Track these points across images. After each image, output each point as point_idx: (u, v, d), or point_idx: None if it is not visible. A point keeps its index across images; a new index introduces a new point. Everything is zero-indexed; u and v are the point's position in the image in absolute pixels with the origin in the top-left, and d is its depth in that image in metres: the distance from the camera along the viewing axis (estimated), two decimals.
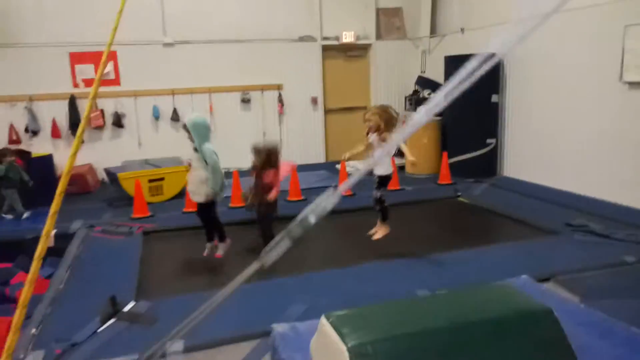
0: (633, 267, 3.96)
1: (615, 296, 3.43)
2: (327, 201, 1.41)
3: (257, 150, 5.04)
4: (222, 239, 4.80)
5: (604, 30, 5.81)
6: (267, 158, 4.95)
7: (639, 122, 5.44)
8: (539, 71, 6.90)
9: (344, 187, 1.44)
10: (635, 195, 5.52)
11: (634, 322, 2.96)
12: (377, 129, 4.49)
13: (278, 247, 1.50)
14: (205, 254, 4.73)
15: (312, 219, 1.40)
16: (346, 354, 1.62)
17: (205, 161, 4.47)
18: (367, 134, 4.67)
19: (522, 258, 4.26)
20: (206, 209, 4.69)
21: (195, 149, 4.51)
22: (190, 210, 6.22)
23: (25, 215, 6.11)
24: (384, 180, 4.66)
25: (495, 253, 4.48)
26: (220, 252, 4.74)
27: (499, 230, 5.58)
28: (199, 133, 4.49)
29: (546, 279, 3.81)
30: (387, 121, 4.47)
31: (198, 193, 4.56)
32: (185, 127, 4.58)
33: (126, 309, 3.54)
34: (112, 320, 3.36)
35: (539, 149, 6.88)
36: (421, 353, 1.66)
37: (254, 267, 1.56)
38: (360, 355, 1.62)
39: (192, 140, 4.52)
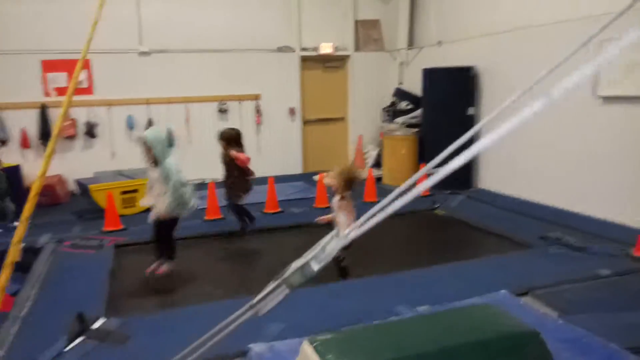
0: (608, 281, 3.99)
1: (592, 310, 3.43)
2: (331, 246, 1.32)
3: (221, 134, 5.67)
4: (171, 257, 4.57)
5: (575, 44, 5.89)
6: (231, 139, 5.63)
7: (613, 135, 5.53)
8: (515, 84, 6.97)
9: (351, 232, 1.35)
10: (609, 208, 5.60)
11: (611, 336, 2.97)
12: (339, 192, 4.28)
13: (274, 296, 1.40)
14: (148, 272, 4.47)
15: (315, 267, 1.31)
16: None
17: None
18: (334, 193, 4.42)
19: (499, 272, 4.26)
20: (164, 225, 4.47)
21: (155, 164, 4.30)
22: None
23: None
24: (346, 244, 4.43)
25: (472, 267, 4.47)
26: (164, 268, 4.51)
27: (476, 244, 5.59)
28: (161, 148, 4.31)
29: (524, 293, 3.80)
30: (346, 185, 4.26)
31: (157, 208, 4.36)
32: (141, 141, 4.35)
33: (95, 326, 3.40)
34: (80, 339, 3.22)
35: (513, 161, 6.95)
36: None
37: (247, 314, 1.46)
38: None
39: (149, 155, 4.32)
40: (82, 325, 3.32)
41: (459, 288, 3.90)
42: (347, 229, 4.29)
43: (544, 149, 6.46)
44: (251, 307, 1.44)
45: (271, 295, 1.37)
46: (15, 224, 5.82)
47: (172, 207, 4.31)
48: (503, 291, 3.73)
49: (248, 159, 5.59)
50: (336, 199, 4.35)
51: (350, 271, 4.32)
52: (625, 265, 4.25)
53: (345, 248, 4.38)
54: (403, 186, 1.44)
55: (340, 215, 4.25)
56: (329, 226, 4.62)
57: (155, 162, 4.30)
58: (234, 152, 5.52)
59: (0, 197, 5.94)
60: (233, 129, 5.87)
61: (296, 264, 1.36)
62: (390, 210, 1.21)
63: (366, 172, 7.69)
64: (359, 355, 1.70)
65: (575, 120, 5.95)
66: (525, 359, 1.84)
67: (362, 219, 1.36)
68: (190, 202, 4.50)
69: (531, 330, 1.94)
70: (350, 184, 4.26)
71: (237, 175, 5.61)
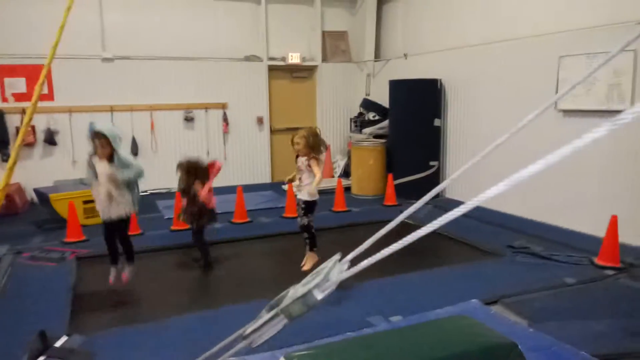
0: (573, 289, 4.09)
1: (560, 318, 3.51)
2: (334, 273, 1.26)
3: (180, 166, 5.03)
4: (131, 259, 4.44)
5: (540, 59, 6.10)
6: (191, 172, 4.93)
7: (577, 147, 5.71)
8: (478, 97, 7.16)
9: (354, 255, 1.30)
10: (572, 218, 5.77)
11: (580, 344, 3.03)
12: (305, 153, 4.43)
13: (271, 326, 1.33)
14: (111, 280, 4.34)
15: (319, 296, 1.24)
16: None
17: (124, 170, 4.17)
18: (297, 157, 4.60)
19: (469, 280, 4.31)
20: (122, 226, 4.32)
21: (110, 159, 4.12)
22: (129, 233, 5.92)
23: None
24: (310, 206, 4.54)
25: (442, 276, 4.51)
26: (128, 274, 4.38)
27: (445, 253, 5.65)
28: (118, 142, 4.16)
29: (493, 302, 3.85)
30: (312, 146, 4.39)
31: (115, 209, 4.18)
32: (99, 135, 4.10)
33: (57, 344, 3.25)
34: (42, 358, 3.06)
35: (479, 172, 7.07)
36: None
37: (240, 345, 1.40)
38: None
39: (104, 150, 4.11)
40: (44, 344, 3.16)
41: (430, 297, 3.93)
42: (306, 190, 4.29)
43: (508, 160, 6.58)
44: (244, 338, 1.37)
45: (267, 326, 1.30)
46: None
47: (137, 200, 4.27)
48: (474, 300, 3.77)
49: (211, 196, 5.02)
50: (302, 159, 4.45)
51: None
52: (589, 273, 4.38)
53: (312, 214, 4.51)
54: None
55: (305, 176, 4.45)
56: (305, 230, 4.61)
57: (111, 156, 4.11)
58: (199, 189, 4.89)
59: None
60: (194, 159, 5.07)
61: (295, 291, 1.30)
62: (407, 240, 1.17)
63: (335, 182, 7.70)
64: None
65: (537, 133, 6.11)
66: None
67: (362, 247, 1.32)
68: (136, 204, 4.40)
69: (509, 342, 1.95)
70: (316, 144, 4.41)
71: (202, 205, 5.01)
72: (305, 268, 4.67)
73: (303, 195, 4.51)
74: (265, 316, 1.33)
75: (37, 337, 3.17)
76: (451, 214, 1.11)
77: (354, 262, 1.30)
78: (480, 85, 7.10)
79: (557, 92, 5.84)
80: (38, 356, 3.06)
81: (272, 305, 1.37)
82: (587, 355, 2.88)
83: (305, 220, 4.56)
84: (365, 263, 1.18)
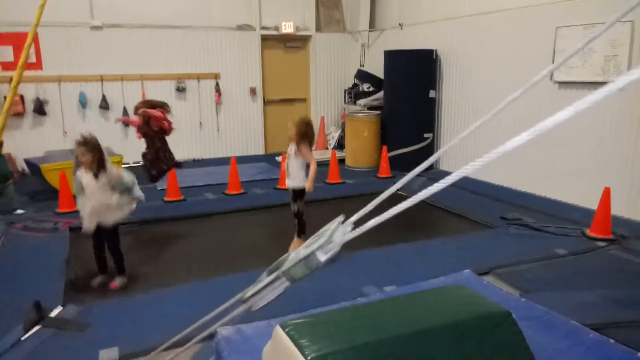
0: (565, 260, 4.13)
1: (551, 289, 3.55)
2: (337, 235, 1.23)
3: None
4: (122, 270, 4.02)
5: (537, 30, 6.03)
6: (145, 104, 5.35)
7: (570, 118, 5.70)
8: (474, 68, 7.09)
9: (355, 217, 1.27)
10: (565, 189, 5.81)
11: (571, 314, 3.07)
12: (295, 140, 4.42)
13: (272, 289, 1.31)
14: (95, 284, 3.94)
15: (322, 258, 1.21)
16: None
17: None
18: (288, 144, 4.57)
19: (462, 251, 4.34)
20: (111, 234, 3.94)
21: (97, 173, 3.72)
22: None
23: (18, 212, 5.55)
24: (298, 193, 4.51)
25: (435, 247, 4.54)
26: (118, 283, 3.95)
27: (438, 224, 5.68)
28: (107, 154, 3.91)
29: (486, 273, 3.89)
30: (303, 134, 4.41)
31: (111, 215, 3.86)
32: (78, 142, 3.73)
33: (52, 314, 3.25)
34: (37, 328, 3.07)
35: (473, 144, 7.08)
36: None
37: (240, 309, 1.38)
38: None
39: (91, 162, 3.73)
40: (39, 314, 3.17)
41: (424, 267, 3.96)
42: (294, 176, 4.24)
43: (502, 131, 6.59)
44: (243, 302, 1.36)
45: (267, 289, 1.29)
46: (19, 211, 5.48)
47: (132, 207, 4.06)
48: (467, 271, 3.81)
49: (164, 113, 5.44)
50: (292, 147, 4.44)
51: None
52: (581, 245, 4.42)
53: (302, 200, 4.48)
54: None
55: (293, 164, 4.43)
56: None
57: (98, 169, 3.74)
58: (147, 110, 5.28)
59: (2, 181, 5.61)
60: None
61: (297, 254, 1.28)
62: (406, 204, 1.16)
63: (329, 154, 7.68)
64: (333, 339, 1.67)
65: (532, 104, 6.09)
66: (499, 339, 1.86)
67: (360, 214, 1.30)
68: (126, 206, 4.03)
69: (503, 311, 1.97)
70: (306, 137, 4.41)
71: (161, 145, 5.55)
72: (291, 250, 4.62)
73: (291, 183, 4.48)
74: (266, 280, 1.32)
75: (32, 307, 3.17)
76: (442, 183, 1.09)
77: (356, 224, 1.29)
78: (476, 56, 7.03)
79: (553, 62, 5.80)
80: (33, 326, 3.07)
81: (271, 270, 1.36)
82: (578, 324, 2.92)
83: (295, 207, 4.53)
84: (371, 223, 1.17)
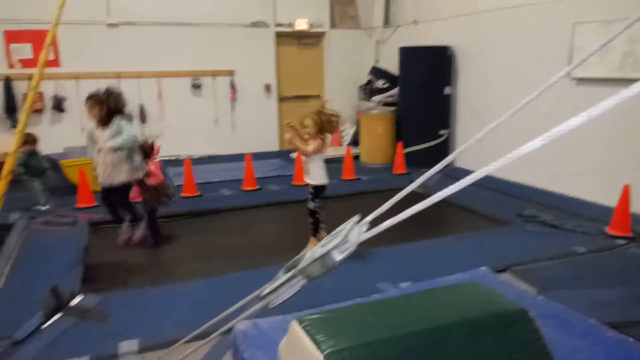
0: (583, 258, 4.09)
1: (569, 287, 3.52)
2: (353, 235, 1.24)
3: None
4: (136, 219, 4.50)
5: (554, 26, 5.96)
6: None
7: (581, 125, 5.63)
8: (491, 65, 7.03)
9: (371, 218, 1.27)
10: (583, 186, 5.74)
11: (589, 312, 3.05)
12: (313, 136, 4.16)
13: (289, 287, 1.32)
14: (122, 239, 4.44)
15: (338, 257, 1.22)
16: None
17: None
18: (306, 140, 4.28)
19: (478, 249, 4.32)
20: (121, 193, 4.39)
21: (104, 123, 4.21)
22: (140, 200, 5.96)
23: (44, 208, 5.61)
24: (318, 191, 4.34)
25: (451, 244, 4.52)
26: (138, 235, 4.45)
27: (454, 221, 5.66)
28: (114, 104, 4.31)
29: (502, 270, 3.87)
30: (323, 126, 4.12)
31: (116, 176, 4.24)
32: (87, 99, 4.34)
33: (73, 303, 3.30)
34: (57, 316, 3.12)
35: (489, 141, 7.00)
36: (399, 358, 1.60)
37: (257, 306, 1.40)
38: None
39: (99, 113, 4.24)
40: (58, 301, 3.21)
41: (440, 264, 3.95)
42: (314, 174, 4.15)
43: (519, 128, 6.53)
44: (261, 298, 1.38)
45: (284, 287, 1.30)
46: (47, 207, 5.58)
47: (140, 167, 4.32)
48: (483, 268, 3.79)
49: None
50: (310, 145, 4.16)
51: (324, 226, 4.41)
52: (599, 242, 4.37)
53: (321, 198, 4.38)
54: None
55: (314, 164, 4.20)
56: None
57: (105, 120, 4.16)
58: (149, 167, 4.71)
59: (35, 176, 5.67)
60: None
61: (313, 253, 1.29)
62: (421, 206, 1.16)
63: (344, 150, 7.68)
64: (349, 335, 1.68)
65: (550, 101, 6.02)
66: (515, 336, 1.85)
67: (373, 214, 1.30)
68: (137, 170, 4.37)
69: (520, 309, 1.96)
70: (328, 127, 4.16)
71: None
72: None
73: (310, 180, 4.32)
74: (283, 277, 1.34)
75: (50, 293, 3.21)
76: (460, 183, 1.10)
77: (372, 224, 1.29)
78: (491, 52, 6.97)
79: (570, 60, 5.73)
80: (53, 313, 3.12)
81: (288, 267, 1.38)
82: (596, 322, 2.90)
83: (311, 205, 4.38)
84: (387, 223, 1.17)
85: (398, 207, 1.30)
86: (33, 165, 5.61)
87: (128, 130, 4.20)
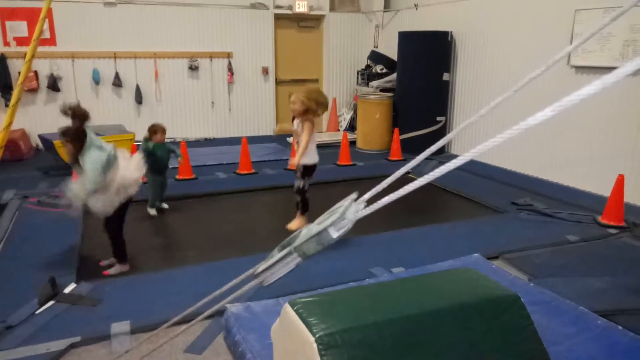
0: (575, 246, 4.11)
1: (561, 274, 3.55)
2: (350, 212, 1.23)
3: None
4: (117, 256, 3.77)
5: (554, 13, 5.92)
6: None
7: (583, 105, 5.62)
8: (489, 52, 6.99)
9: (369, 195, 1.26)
10: (577, 176, 5.76)
11: (579, 300, 3.07)
12: (300, 114, 4.21)
13: (283, 265, 1.32)
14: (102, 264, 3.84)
15: (335, 234, 1.22)
16: (314, 345, 1.54)
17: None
18: (293, 118, 4.38)
19: (472, 236, 4.34)
20: (108, 220, 3.66)
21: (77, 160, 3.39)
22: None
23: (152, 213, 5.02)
24: (308, 170, 4.37)
25: (445, 231, 4.53)
26: (114, 271, 3.74)
27: (448, 208, 5.67)
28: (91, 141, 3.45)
29: (495, 257, 3.89)
30: (310, 107, 4.14)
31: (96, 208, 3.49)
32: (63, 134, 3.39)
33: (67, 290, 3.31)
34: (51, 302, 3.13)
35: (486, 128, 7.01)
36: (391, 341, 1.61)
37: (251, 284, 1.40)
38: (329, 346, 1.55)
39: (66, 148, 3.45)
40: (54, 290, 3.22)
41: (433, 251, 3.97)
42: (305, 153, 4.17)
43: (515, 116, 6.52)
44: (255, 276, 1.37)
45: (279, 264, 1.30)
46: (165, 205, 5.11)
47: (111, 199, 3.47)
48: (476, 254, 3.81)
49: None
50: (297, 121, 4.29)
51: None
52: (592, 231, 4.40)
53: (310, 178, 4.35)
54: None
55: (302, 139, 4.24)
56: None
57: (77, 157, 3.38)
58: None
59: (157, 172, 5.04)
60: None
61: (309, 230, 1.29)
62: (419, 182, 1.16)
63: (340, 135, 7.65)
64: (341, 318, 1.69)
65: (547, 89, 6.01)
66: (506, 321, 1.87)
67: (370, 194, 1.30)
68: (130, 185, 3.57)
69: (512, 294, 1.97)
70: (315, 110, 4.19)
71: None
72: (290, 227, 4.53)
73: (302, 159, 4.31)
74: (278, 255, 1.34)
75: (47, 283, 3.23)
76: (456, 161, 1.10)
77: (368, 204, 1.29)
78: (492, 38, 6.92)
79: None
80: (48, 301, 3.13)
81: (283, 245, 1.38)
82: (586, 310, 2.93)
83: (300, 183, 4.41)
84: (384, 200, 1.18)
85: (394, 191, 1.29)
86: (160, 157, 4.97)
87: (91, 168, 3.35)
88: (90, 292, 3.30)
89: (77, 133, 3.28)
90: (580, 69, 5.68)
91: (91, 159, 3.32)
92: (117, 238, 3.73)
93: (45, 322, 2.90)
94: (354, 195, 1.32)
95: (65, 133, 3.39)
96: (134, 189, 3.60)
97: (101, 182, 3.34)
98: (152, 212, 5.04)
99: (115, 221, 3.65)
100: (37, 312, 3.01)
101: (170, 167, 5.30)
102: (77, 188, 3.35)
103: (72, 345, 2.70)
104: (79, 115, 3.39)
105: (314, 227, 1.25)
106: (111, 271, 3.75)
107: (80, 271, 3.66)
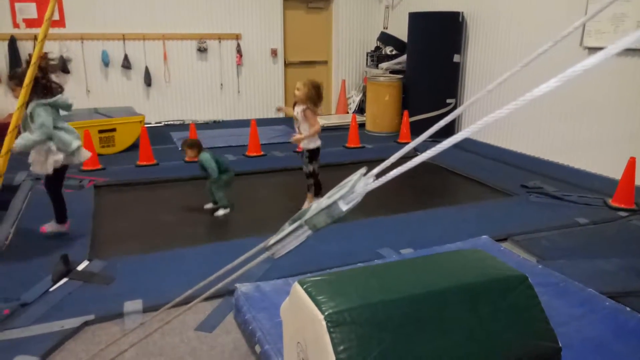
0: (585, 229, 4.10)
1: (569, 257, 3.54)
2: (359, 186, 1.25)
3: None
4: (57, 217, 3.90)
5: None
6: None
7: (595, 87, 5.55)
8: (501, 33, 6.90)
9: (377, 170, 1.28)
10: (588, 158, 5.71)
11: (588, 282, 3.08)
12: (302, 102, 4.40)
13: (294, 237, 1.34)
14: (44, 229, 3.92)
15: (344, 207, 1.24)
16: (323, 323, 1.56)
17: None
18: (294, 104, 4.56)
19: (481, 218, 4.34)
20: (48, 177, 3.80)
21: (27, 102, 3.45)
22: (144, 163, 5.99)
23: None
24: (313, 154, 4.57)
25: (454, 213, 4.53)
26: (47, 227, 3.90)
27: (458, 191, 5.66)
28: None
29: (503, 239, 3.90)
30: (311, 97, 4.36)
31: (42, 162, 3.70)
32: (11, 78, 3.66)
33: (80, 267, 3.37)
34: (64, 280, 3.19)
35: (495, 109, 6.96)
36: (398, 320, 1.63)
37: (263, 256, 1.42)
38: (338, 323, 1.57)
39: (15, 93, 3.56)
40: (67, 267, 3.28)
41: (441, 233, 3.98)
42: (308, 139, 4.31)
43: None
44: (267, 249, 1.40)
45: (290, 237, 1.32)
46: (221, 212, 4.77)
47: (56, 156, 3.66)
48: (484, 237, 3.81)
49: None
50: (299, 108, 4.43)
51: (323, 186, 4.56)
52: (602, 214, 4.38)
53: (317, 161, 4.45)
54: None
55: (303, 127, 4.43)
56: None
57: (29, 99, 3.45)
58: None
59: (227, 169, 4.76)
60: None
61: (319, 204, 1.31)
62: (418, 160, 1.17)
63: (349, 118, 7.63)
64: (350, 296, 1.71)
65: (559, 71, 5.93)
66: (513, 302, 1.88)
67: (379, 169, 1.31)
68: (71, 145, 3.74)
69: (520, 274, 1.98)
70: (314, 100, 4.38)
71: None
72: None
73: (305, 144, 4.51)
74: (289, 228, 1.36)
75: (60, 260, 3.29)
76: (460, 135, 1.11)
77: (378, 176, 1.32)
78: (503, 20, 6.82)
79: (584, 28, 5.61)
80: (61, 278, 3.19)
81: (294, 219, 1.40)
82: (594, 291, 2.93)
83: (310, 168, 4.59)
84: (393, 173, 1.19)
85: (401, 177, 1.30)
86: (218, 159, 4.70)
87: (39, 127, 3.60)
88: (102, 269, 3.35)
89: (24, 77, 3.28)
90: (593, 50, 5.59)
91: (41, 117, 3.60)
92: (56, 198, 3.89)
93: (59, 300, 2.96)
94: (363, 170, 1.34)
95: (12, 77, 3.67)
96: (73, 160, 3.81)
97: (47, 134, 3.61)
98: (221, 212, 4.68)
99: (53, 182, 3.84)
100: (51, 289, 3.07)
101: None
102: (25, 137, 3.58)
103: (86, 323, 2.75)
104: (43, 68, 3.61)
105: (324, 201, 1.27)
106: (47, 228, 3.91)
107: (92, 249, 3.72)
